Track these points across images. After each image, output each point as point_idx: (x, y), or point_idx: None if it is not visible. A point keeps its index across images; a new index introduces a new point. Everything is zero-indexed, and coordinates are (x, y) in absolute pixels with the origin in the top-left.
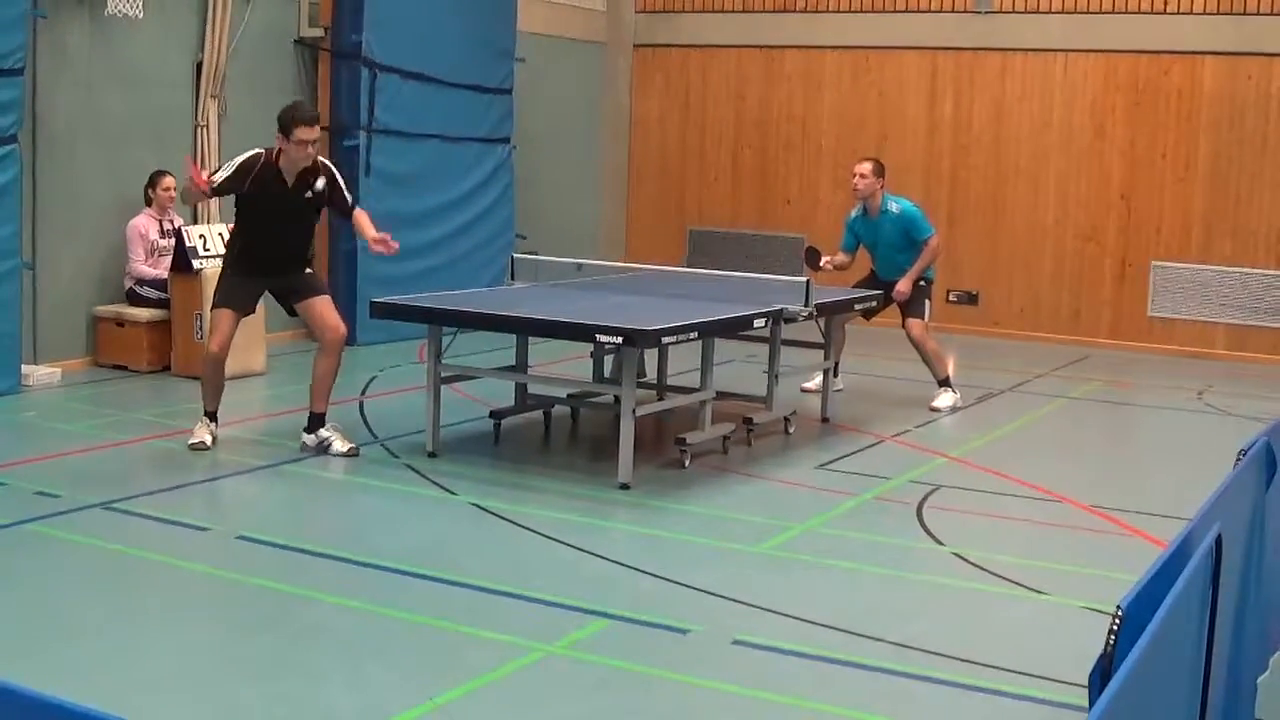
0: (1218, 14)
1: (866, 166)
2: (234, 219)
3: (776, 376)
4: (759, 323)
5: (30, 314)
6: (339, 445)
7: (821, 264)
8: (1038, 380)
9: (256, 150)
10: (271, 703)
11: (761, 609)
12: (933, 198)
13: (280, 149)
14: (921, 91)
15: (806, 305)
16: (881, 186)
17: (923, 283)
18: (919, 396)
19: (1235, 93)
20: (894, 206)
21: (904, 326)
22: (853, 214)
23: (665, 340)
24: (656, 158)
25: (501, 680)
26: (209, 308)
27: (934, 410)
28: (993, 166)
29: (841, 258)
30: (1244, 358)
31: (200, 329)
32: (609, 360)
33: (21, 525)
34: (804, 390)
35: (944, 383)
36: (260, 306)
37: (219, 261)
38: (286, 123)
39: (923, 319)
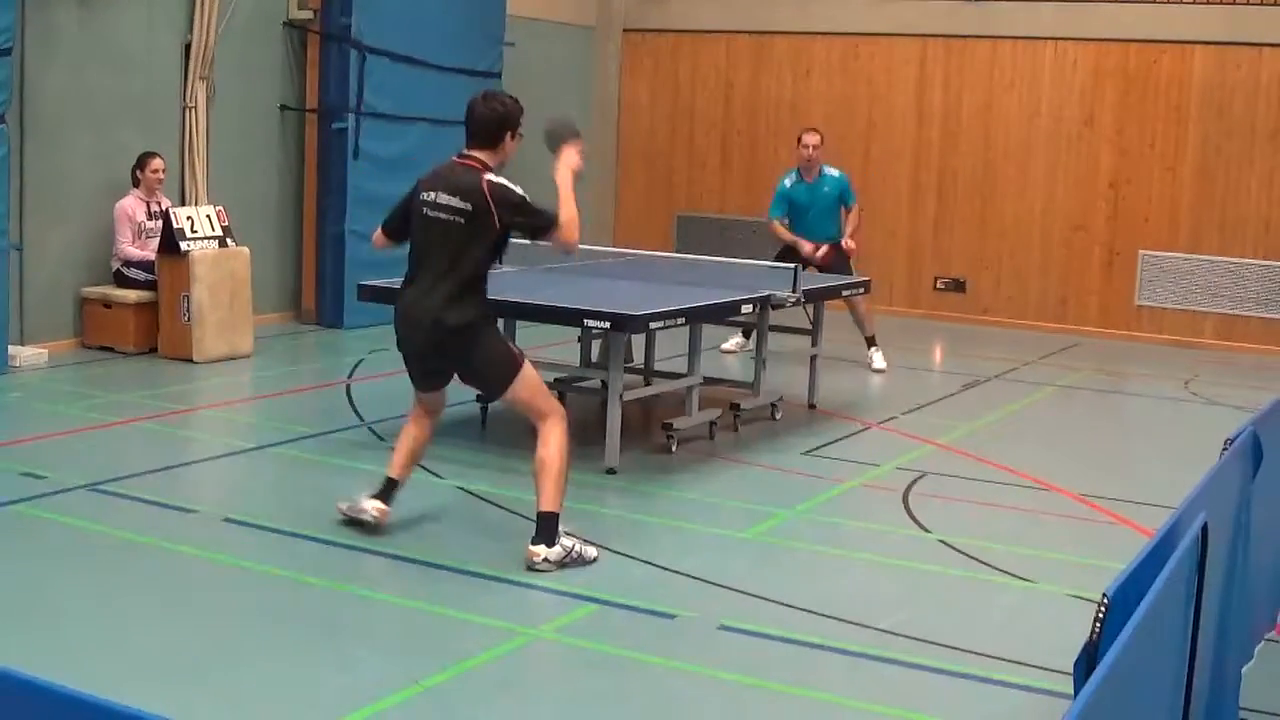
0: (1208, 3)
1: (818, 137)
2: (489, 262)
3: (764, 362)
4: (746, 308)
5: (18, 295)
6: None
7: (806, 253)
8: (1025, 368)
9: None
10: (257, 685)
11: (748, 595)
12: (921, 185)
13: (499, 159)
14: (911, 79)
15: (794, 291)
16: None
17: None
18: (907, 384)
19: (1225, 82)
20: (832, 171)
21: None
22: (787, 182)
23: (653, 325)
24: (645, 143)
25: (488, 664)
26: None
27: (879, 371)
28: (981, 154)
29: (787, 233)
30: (1232, 347)
31: (187, 311)
32: (596, 345)
33: (7, 506)
34: (723, 351)
35: (873, 340)
36: (249, 293)
37: (207, 244)
38: (518, 117)
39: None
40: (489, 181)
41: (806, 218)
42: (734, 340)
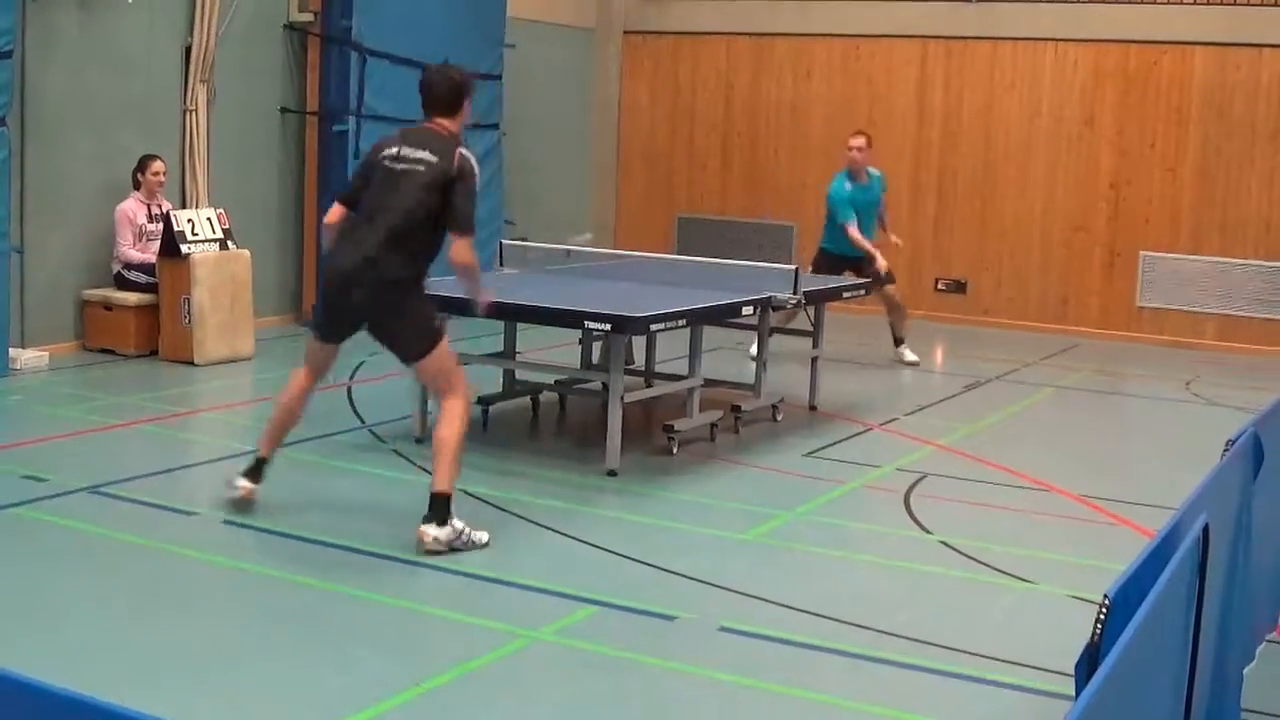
0: (1208, 4)
1: (863, 139)
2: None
3: (764, 364)
4: (747, 310)
5: (18, 298)
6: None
7: (879, 267)
8: (1026, 369)
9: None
10: (257, 686)
11: (748, 596)
12: (922, 186)
13: (459, 124)
14: (911, 80)
15: (795, 293)
16: None
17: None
18: (908, 385)
19: (1225, 83)
20: (874, 170)
21: (883, 292)
22: (847, 187)
23: (653, 327)
24: (646, 144)
25: (488, 666)
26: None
27: (911, 363)
28: (982, 155)
29: (865, 241)
30: (1232, 348)
31: (188, 314)
32: (597, 347)
33: (8, 509)
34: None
35: (902, 340)
36: (250, 295)
37: (208, 247)
38: (472, 84)
39: (895, 282)
40: (462, 153)
41: (860, 220)
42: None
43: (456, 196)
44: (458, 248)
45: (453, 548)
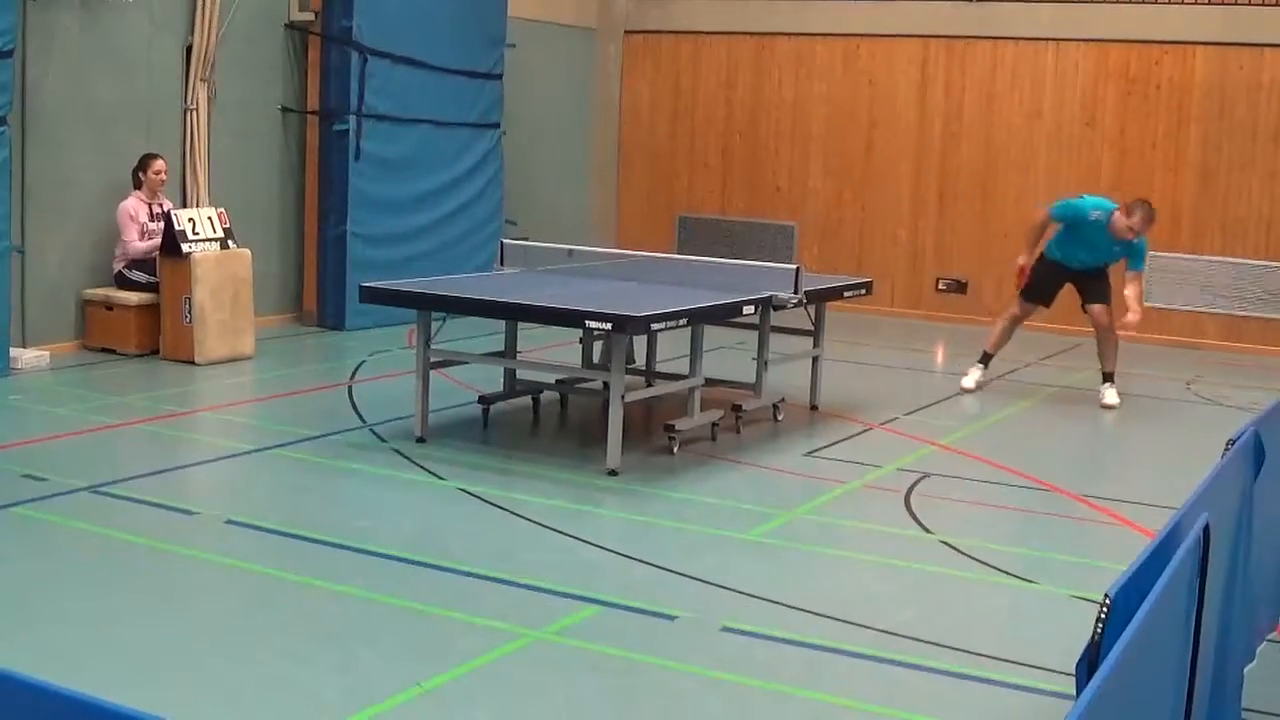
0: (1209, 4)
1: (1142, 223)
2: None
3: (766, 363)
4: (748, 310)
5: (19, 297)
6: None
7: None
8: (1027, 369)
9: None
10: (259, 687)
11: (749, 596)
12: (922, 186)
13: None
14: (912, 79)
15: (796, 293)
16: None
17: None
18: (909, 385)
19: (1226, 83)
20: (1139, 241)
21: (1090, 310)
22: (1094, 213)
23: (654, 327)
24: (647, 144)
25: (490, 665)
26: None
27: (1107, 407)
28: (982, 155)
29: (1033, 238)
30: (1234, 348)
31: (189, 313)
32: (598, 346)
33: (8, 508)
34: (963, 389)
35: (1110, 377)
36: (250, 295)
37: (208, 246)
38: None
39: (1109, 305)
40: None
41: (1083, 247)
42: (974, 376)
43: None
44: None
45: None
